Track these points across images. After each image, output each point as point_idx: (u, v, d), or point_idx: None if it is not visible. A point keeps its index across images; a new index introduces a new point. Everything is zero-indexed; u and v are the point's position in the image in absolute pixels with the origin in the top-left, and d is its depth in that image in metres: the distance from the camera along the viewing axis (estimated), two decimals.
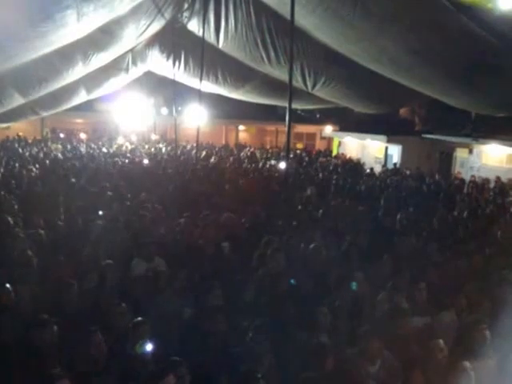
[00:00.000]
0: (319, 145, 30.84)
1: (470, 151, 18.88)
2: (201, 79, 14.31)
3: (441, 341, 4.33)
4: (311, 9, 10.63)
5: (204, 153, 21.15)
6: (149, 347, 3.89)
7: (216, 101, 22.60)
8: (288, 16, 11.00)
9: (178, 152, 19.60)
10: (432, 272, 5.92)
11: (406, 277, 5.52)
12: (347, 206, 10.26)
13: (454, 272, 6.07)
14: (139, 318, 4.31)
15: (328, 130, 27.71)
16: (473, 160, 18.87)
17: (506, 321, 4.97)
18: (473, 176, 17.10)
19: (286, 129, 8.45)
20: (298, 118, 29.44)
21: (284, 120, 26.22)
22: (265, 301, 5.05)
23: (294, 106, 23.52)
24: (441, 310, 5.24)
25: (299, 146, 30.86)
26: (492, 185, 16.10)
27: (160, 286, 5.35)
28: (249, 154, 22.93)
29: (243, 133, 31.96)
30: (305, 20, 11.69)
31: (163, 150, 21.49)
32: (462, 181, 16.77)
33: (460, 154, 19.72)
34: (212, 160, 19.26)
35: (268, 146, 28.42)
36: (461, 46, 8.88)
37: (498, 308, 5.15)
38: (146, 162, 16.43)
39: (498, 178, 16.54)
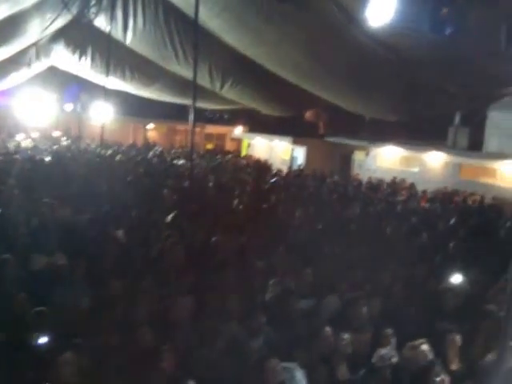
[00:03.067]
0: (229, 146, 31.34)
1: (367, 154, 20.30)
2: (107, 75, 14.19)
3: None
4: (217, 12, 11.06)
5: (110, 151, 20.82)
6: (44, 339, 4.01)
7: (125, 98, 22.29)
8: (192, 14, 11.38)
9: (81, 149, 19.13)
10: (321, 260, 6.52)
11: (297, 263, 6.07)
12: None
13: (340, 261, 6.70)
14: (38, 308, 4.43)
15: (238, 131, 28.31)
16: (369, 162, 20.29)
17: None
18: (369, 177, 18.39)
19: (191, 127, 8.75)
20: (207, 118, 29.90)
21: (198, 120, 26.66)
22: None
23: (203, 105, 23.92)
24: (327, 293, 5.80)
25: (209, 146, 31.18)
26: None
27: (59, 278, 5.45)
28: (157, 153, 22.86)
29: (152, 132, 31.70)
30: (212, 22, 12.10)
31: (65, 145, 20.84)
32: (360, 181, 17.98)
33: (358, 156, 21.11)
34: (117, 158, 19.01)
35: (177, 146, 28.43)
36: (353, 55, 9.70)
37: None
38: (47, 159, 15.91)
39: (394, 179, 17.97)
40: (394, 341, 4.73)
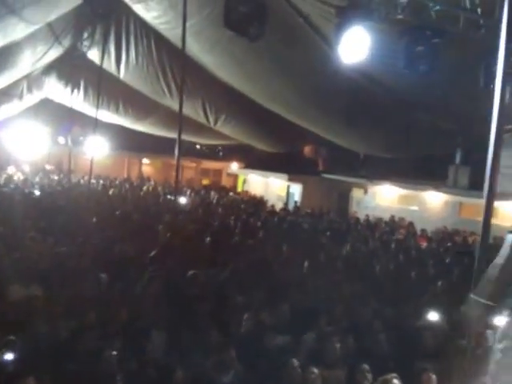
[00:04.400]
0: (226, 181, 31.71)
1: (365, 191, 20.57)
2: (97, 108, 14.61)
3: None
4: (208, 48, 11.53)
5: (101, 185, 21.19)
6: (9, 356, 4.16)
7: (120, 132, 22.75)
8: (186, 51, 11.85)
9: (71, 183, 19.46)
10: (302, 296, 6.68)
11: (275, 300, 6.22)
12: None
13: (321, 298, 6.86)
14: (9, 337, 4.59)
15: (234, 166, 28.71)
16: (367, 200, 20.54)
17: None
18: (367, 215, 18.59)
19: (176, 161, 9.04)
20: (203, 153, 30.38)
21: (191, 155, 27.04)
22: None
23: (198, 140, 24.38)
24: (304, 330, 5.94)
25: (205, 182, 31.56)
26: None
27: (35, 309, 5.61)
28: (150, 188, 23.21)
29: (148, 166, 32.14)
30: (204, 58, 12.60)
31: (55, 179, 21.20)
32: (357, 219, 18.18)
33: (356, 194, 21.37)
34: (110, 193, 19.34)
35: (173, 181, 28.76)
36: (343, 91, 10.08)
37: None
38: (36, 192, 16.22)
39: (392, 217, 18.18)
40: (370, 376, 4.84)
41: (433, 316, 6.19)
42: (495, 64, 5.28)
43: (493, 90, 5.43)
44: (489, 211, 3.96)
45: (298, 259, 9.37)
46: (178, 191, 21.14)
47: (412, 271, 9.13)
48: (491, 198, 3.92)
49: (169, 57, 13.67)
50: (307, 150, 24.61)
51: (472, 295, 4.04)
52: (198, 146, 29.54)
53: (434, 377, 4.99)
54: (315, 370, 4.85)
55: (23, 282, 6.43)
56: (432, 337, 5.76)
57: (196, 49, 12.07)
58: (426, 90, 7.50)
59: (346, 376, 5.14)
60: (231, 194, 25.67)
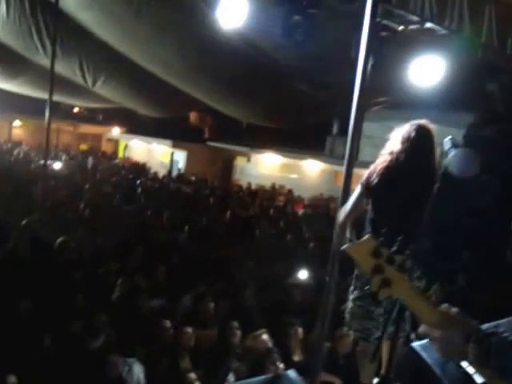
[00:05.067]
0: (106, 147, 30.58)
1: (248, 160, 21.07)
2: None
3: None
4: (86, 4, 10.96)
5: None
6: None
7: None
8: (62, 6, 11.20)
9: None
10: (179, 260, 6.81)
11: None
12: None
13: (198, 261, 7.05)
14: None
15: (115, 131, 27.83)
16: (250, 168, 21.07)
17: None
18: (248, 183, 19.11)
19: (46, 124, 8.62)
20: (81, 117, 29.02)
21: (68, 118, 25.75)
22: None
23: (75, 103, 23.26)
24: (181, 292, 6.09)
25: (84, 147, 30.23)
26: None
27: None
28: (22, 153, 21.85)
29: (19, 129, 30.07)
30: (82, 15, 11.94)
31: None
32: (240, 187, 18.63)
33: (240, 162, 21.82)
34: None
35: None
36: (225, 57, 10.12)
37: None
38: None
39: (273, 185, 18.90)
40: (239, 333, 5.11)
41: (302, 275, 6.63)
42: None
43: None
44: (349, 178, 4.31)
45: (178, 224, 9.48)
46: (52, 156, 20.20)
47: (288, 235, 9.62)
48: (351, 164, 4.27)
49: (43, 12, 12.76)
50: (193, 116, 24.55)
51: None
52: (75, 110, 28.18)
53: (300, 330, 5.40)
54: (189, 330, 5.04)
55: None
56: (300, 294, 6.18)
57: (73, 5, 11.40)
58: (304, 59, 7.79)
59: (218, 334, 5.38)
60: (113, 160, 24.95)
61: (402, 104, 11.19)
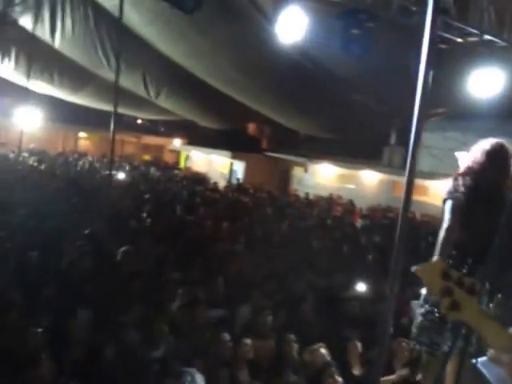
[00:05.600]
0: (168, 157, 31.43)
1: (306, 170, 21.07)
2: (28, 78, 14.12)
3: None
4: (149, 19, 11.36)
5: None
6: None
7: (56, 104, 22.06)
8: (125, 22, 11.63)
9: None
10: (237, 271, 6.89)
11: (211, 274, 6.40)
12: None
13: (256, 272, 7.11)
14: None
15: (177, 142, 28.54)
16: (308, 178, 21.05)
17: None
18: (306, 193, 19.09)
19: (111, 135, 8.96)
20: (145, 128, 29.97)
21: (131, 129, 26.68)
22: None
23: (139, 115, 24.01)
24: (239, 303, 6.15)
25: (147, 157, 31.16)
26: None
27: None
28: (87, 163, 22.76)
29: (85, 140, 31.35)
30: (144, 30, 12.40)
31: None
32: (297, 197, 18.64)
33: (297, 172, 21.85)
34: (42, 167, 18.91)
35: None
36: (281, 69, 10.23)
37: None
38: None
39: (331, 195, 18.79)
40: (296, 346, 5.11)
41: (361, 287, 6.56)
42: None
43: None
44: (410, 188, 4.26)
45: (236, 235, 9.59)
46: (116, 167, 20.94)
47: (345, 246, 9.55)
48: (412, 175, 4.22)
49: (107, 27, 13.33)
50: (251, 127, 24.83)
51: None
52: (139, 121, 29.10)
53: (358, 344, 5.34)
54: (247, 341, 5.08)
55: None
56: (359, 307, 6.12)
57: (136, 20, 11.86)
58: (362, 73, 7.77)
59: (275, 347, 5.39)
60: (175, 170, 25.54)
61: (460, 115, 10.93)
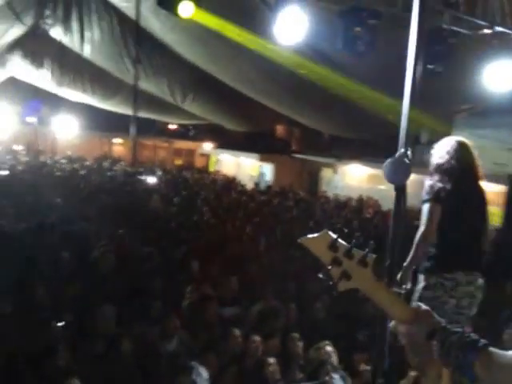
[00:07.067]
0: (199, 161, 31.73)
1: (335, 171, 20.94)
2: (59, 86, 14.60)
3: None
4: (171, 26, 11.58)
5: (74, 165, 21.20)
6: None
7: (90, 111, 22.62)
8: (148, 29, 11.90)
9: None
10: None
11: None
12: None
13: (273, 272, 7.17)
14: None
15: (207, 146, 28.82)
16: (337, 179, 20.91)
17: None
18: (335, 195, 18.98)
19: (132, 140, 9.16)
20: (176, 133, 30.34)
21: (163, 135, 27.17)
22: None
23: (168, 120, 24.37)
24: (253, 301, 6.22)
25: (178, 162, 31.55)
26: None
27: None
28: (120, 169, 23.21)
29: (119, 146, 31.97)
30: (167, 36, 12.66)
31: (24, 159, 21.12)
32: (326, 198, 18.57)
33: (326, 173, 21.74)
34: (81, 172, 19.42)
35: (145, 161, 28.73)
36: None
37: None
38: (3, 173, 16.16)
39: (361, 197, 18.61)
40: (300, 344, 5.14)
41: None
42: (435, 45, 5.54)
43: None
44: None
45: (258, 236, 9.67)
46: (148, 171, 21.33)
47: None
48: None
49: (132, 35, 13.65)
50: (280, 129, 24.85)
51: None
52: (171, 126, 29.49)
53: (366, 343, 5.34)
54: (257, 339, 5.14)
55: None
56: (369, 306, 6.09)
57: (158, 27, 12.12)
58: (382, 71, 7.66)
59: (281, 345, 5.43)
60: (206, 174, 25.79)
61: (489, 111, 10.68)
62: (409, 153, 3.73)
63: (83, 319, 5.32)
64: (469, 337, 1.34)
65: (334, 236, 1.49)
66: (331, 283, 1.46)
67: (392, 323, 1.48)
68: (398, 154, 3.70)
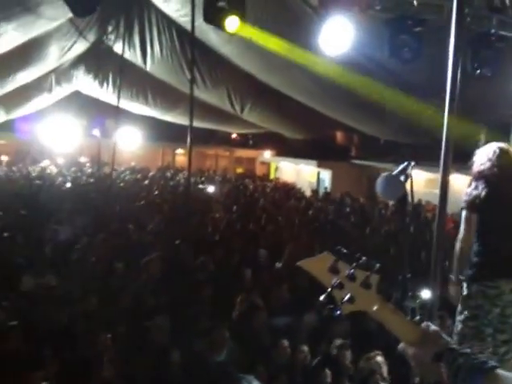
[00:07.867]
0: (259, 169, 31.99)
1: None
2: (118, 99, 15.14)
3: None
4: (227, 38, 11.79)
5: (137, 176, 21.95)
6: None
7: (153, 123, 23.33)
8: (206, 41, 12.17)
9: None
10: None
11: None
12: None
13: None
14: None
15: (267, 154, 29.02)
16: None
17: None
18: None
19: (188, 149, 9.38)
20: (237, 142, 30.74)
21: (225, 144, 27.67)
22: None
23: (228, 129, 24.73)
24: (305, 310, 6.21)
25: (240, 170, 31.94)
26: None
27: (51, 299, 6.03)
28: (182, 178, 23.76)
29: (181, 156, 32.75)
30: (224, 48, 12.90)
31: (89, 171, 22.04)
32: (386, 204, 18.21)
33: None
34: (145, 183, 20.07)
35: (206, 170, 29.28)
36: None
37: None
38: (67, 185, 16.93)
39: (419, 201, 18.16)
40: (348, 353, 5.09)
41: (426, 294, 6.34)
42: (483, 49, 5.38)
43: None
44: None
45: (312, 242, 9.64)
46: (209, 180, 21.71)
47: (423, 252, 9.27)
48: (446, 173, 4.16)
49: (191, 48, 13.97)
50: (339, 136, 24.65)
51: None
52: (233, 136, 29.90)
53: None
54: (305, 349, 5.15)
55: (37, 272, 6.82)
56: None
57: (215, 39, 12.37)
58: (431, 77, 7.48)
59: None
60: (267, 181, 25.94)
61: None
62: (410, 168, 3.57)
63: (134, 330, 5.48)
64: (476, 359, 1.32)
65: (335, 257, 1.48)
66: (332, 306, 1.45)
67: (400, 345, 1.46)
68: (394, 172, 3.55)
